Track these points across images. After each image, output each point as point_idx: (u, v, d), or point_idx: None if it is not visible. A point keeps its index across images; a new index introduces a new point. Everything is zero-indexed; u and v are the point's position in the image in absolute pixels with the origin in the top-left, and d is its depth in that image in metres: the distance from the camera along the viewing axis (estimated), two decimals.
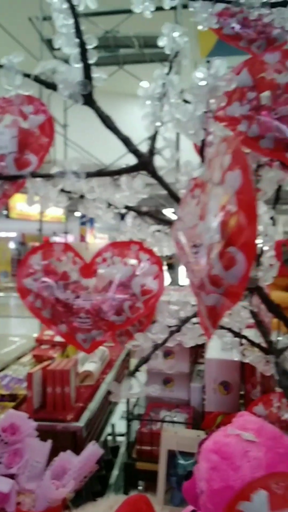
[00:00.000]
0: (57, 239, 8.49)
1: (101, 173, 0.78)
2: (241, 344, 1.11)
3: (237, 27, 1.04)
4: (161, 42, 0.91)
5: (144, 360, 0.77)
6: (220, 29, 1.06)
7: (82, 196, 0.81)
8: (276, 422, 1.09)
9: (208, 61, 0.69)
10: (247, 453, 0.86)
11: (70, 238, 8.93)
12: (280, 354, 0.93)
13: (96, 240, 12.82)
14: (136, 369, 0.78)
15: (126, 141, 0.76)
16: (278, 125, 0.65)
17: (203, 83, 0.64)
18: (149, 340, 0.79)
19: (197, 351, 1.93)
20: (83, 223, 11.06)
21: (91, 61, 0.73)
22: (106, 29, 5.31)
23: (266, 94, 0.68)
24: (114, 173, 0.79)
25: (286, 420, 1.07)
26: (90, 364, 1.99)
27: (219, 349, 1.46)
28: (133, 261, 0.99)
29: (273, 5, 0.84)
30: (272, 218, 1.04)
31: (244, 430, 0.93)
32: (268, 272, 0.87)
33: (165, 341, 0.74)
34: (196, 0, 0.85)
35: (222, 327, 0.99)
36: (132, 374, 0.78)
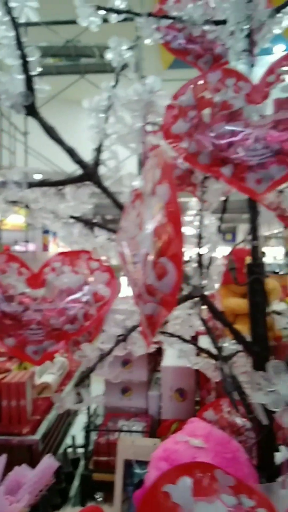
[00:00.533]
0: (17, 248, 8.30)
1: (44, 183, 0.78)
2: (198, 353, 1.13)
3: (183, 42, 1.08)
4: (108, 55, 0.92)
5: (90, 370, 0.77)
6: (168, 43, 1.09)
7: (27, 206, 0.81)
8: (226, 427, 1.11)
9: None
10: (195, 459, 0.88)
11: (32, 247, 8.75)
12: (227, 360, 0.95)
13: (59, 249, 12.65)
14: (82, 379, 0.78)
15: (70, 152, 0.77)
16: (213, 142, 0.68)
17: (138, 98, 0.66)
18: (97, 350, 0.79)
19: (156, 359, 1.94)
20: (45, 232, 10.86)
21: (33, 72, 0.74)
22: (67, 38, 5.32)
23: (206, 112, 0.71)
24: (58, 183, 0.79)
25: (237, 425, 1.09)
26: (48, 376, 1.96)
27: (175, 356, 1.47)
28: (84, 270, 0.99)
29: (216, 23, 0.87)
30: (219, 227, 1.07)
31: (193, 436, 0.95)
32: (213, 281, 0.89)
33: (111, 350, 0.74)
34: (140, 16, 0.87)
35: (172, 335, 1.00)
36: (77, 384, 0.77)
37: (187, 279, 0.84)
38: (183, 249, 0.49)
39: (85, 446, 1.64)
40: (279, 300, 2.68)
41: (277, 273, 6.14)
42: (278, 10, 0.86)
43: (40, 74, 0.76)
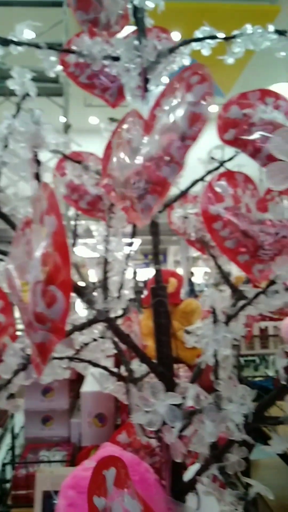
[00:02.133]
0: None
1: None
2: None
3: (90, 76, 1.12)
4: (11, 85, 0.93)
5: None
6: (77, 77, 1.13)
7: None
8: (140, 449, 1.12)
9: None
10: None
11: None
12: (137, 382, 0.97)
13: None
14: None
15: None
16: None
17: (24, 129, 0.67)
18: None
19: (79, 386, 1.91)
20: None
21: None
22: None
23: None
24: None
25: (150, 446, 1.11)
26: None
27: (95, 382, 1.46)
28: None
29: (114, 59, 0.92)
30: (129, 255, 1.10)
31: None
32: (118, 304, 0.91)
33: (9, 381, 0.73)
34: (39, 48, 0.89)
35: (83, 360, 1.00)
36: None
37: (91, 303, 0.85)
38: (71, 277, 0.51)
39: (2, 481, 1.56)
40: (201, 319, 2.77)
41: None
42: (171, 50, 0.93)
43: None
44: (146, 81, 0.84)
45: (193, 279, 9.30)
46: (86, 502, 0.86)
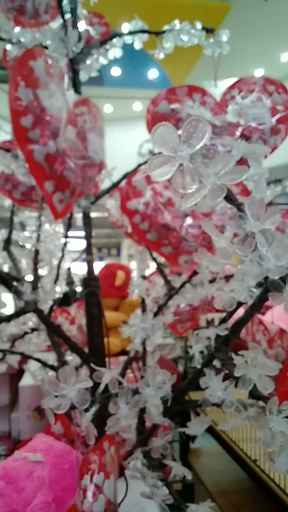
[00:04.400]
0: None
1: None
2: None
3: None
4: None
5: None
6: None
7: None
8: (77, 438, 1.13)
9: None
10: (32, 473, 0.88)
11: None
12: None
13: None
14: None
15: None
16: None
17: None
18: None
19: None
20: None
21: None
22: None
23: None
24: None
25: (84, 436, 1.12)
26: None
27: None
28: None
29: (45, 48, 0.91)
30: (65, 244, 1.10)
31: (33, 451, 0.95)
32: (48, 295, 0.92)
33: None
34: None
35: (13, 352, 1.00)
36: None
37: (19, 294, 0.85)
38: None
39: None
40: None
41: None
42: (102, 43, 0.94)
43: None
44: (74, 71, 0.84)
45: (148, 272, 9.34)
46: (14, 491, 0.86)
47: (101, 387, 0.61)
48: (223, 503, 1.85)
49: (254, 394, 0.56)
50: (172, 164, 0.37)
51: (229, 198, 0.43)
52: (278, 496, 1.68)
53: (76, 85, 0.85)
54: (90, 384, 0.52)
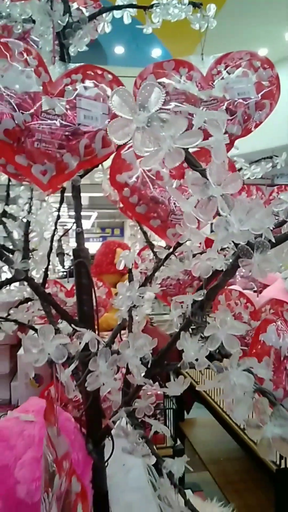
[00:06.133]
0: None
1: None
2: None
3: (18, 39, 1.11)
4: None
5: None
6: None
7: None
8: (68, 403, 1.19)
9: None
10: (23, 432, 0.94)
11: None
12: None
13: None
14: None
15: None
16: None
17: None
18: None
19: None
20: None
21: None
22: None
23: None
24: None
25: (78, 400, 1.18)
26: None
27: None
28: None
29: (34, 22, 0.92)
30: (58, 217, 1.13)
31: (25, 412, 1.01)
32: (39, 265, 0.95)
33: None
34: None
35: (8, 320, 1.04)
36: None
37: (9, 262, 0.88)
38: None
39: None
40: None
41: None
42: (91, 17, 0.95)
43: None
44: (62, 45, 0.86)
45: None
46: (5, 448, 0.92)
47: (81, 345, 0.65)
48: (215, 471, 1.93)
49: (222, 352, 0.60)
50: (130, 127, 0.39)
51: (192, 163, 0.46)
52: (266, 465, 1.75)
53: (64, 59, 0.87)
54: (67, 340, 0.56)
